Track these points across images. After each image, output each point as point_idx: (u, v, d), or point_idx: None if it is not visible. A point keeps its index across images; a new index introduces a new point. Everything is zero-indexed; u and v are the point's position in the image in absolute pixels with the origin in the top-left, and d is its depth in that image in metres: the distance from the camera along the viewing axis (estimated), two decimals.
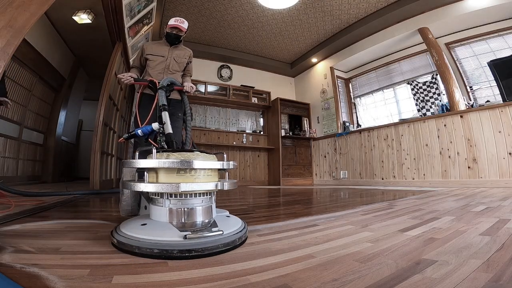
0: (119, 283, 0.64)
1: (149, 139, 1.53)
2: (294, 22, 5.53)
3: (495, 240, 0.93)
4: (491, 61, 3.83)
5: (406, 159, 4.72)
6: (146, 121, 1.66)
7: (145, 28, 4.57)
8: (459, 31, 4.63)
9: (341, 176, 5.95)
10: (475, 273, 0.65)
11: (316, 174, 6.77)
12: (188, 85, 2.23)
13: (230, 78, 6.99)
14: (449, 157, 4.09)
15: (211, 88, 6.65)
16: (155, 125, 1.43)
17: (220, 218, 1.08)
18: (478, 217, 1.41)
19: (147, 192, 1.06)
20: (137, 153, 1.04)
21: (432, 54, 4.65)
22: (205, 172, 1.01)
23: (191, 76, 2.66)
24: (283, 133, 6.57)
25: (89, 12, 4.21)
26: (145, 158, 2.00)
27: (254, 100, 6.99)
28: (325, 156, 6.51)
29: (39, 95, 5.07)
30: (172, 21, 2.39)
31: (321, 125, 6.80)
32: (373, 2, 4.82)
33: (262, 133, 7.11)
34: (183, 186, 0.90)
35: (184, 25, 2.41)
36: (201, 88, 6.39)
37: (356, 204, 2.24)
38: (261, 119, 7.31)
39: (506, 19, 4.15)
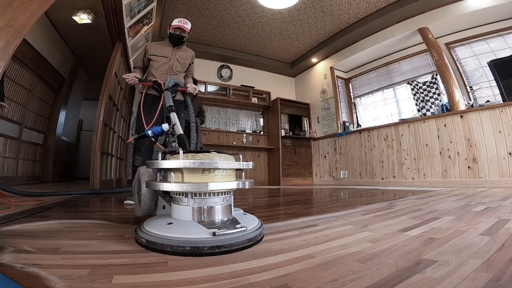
0: (119, 283, 0.64)
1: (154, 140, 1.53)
2: (294, 22, 5.53)
3: (495, 240, 0.93)
4: (491, 61, 3.83)
5: (406, 159, 4.72)
6: (153, 122, 1.66)
7: (145, 28, 4.58)
8: (459, 31, 4.63)
9: (341, 176, 5.95)
10: (475, 273, 0.65)
11: (316, 174, 6.77)
12: (191, 86, 2.26)
13: (230, 78, 6.99)
14: (449, 157, 4.10)
15: (211, 88, 6.66)
16: (165, 126, 1.44)
17: (238, 215, 1.11)
18: (478, 217, 1.41)
19: (168, 192, 1.10)
20: (160, 154, 1.08)
21: (432, 54, 4.65)
22: (226, 172, 1.06)
23: (192, 77, 2.68)
24: (283, 133, 6.57)
25: (89, 12, 4.21)
26: (149, 158, 1.99)
27: (254, 100, 6.99)
28: (325, 156, 6.52)
29: (39, 95, 5.07)
30: (175, 22, 2.40)
31: (321, 125, 6.80)
32: (373, 2, 4.82)
33: (262, 133, 7.11)
34: (212, 185, 0.95)
35: (188, 26, 2.42)
36: (201, 88, 6.39)
37: (356, 204, 2.24)
38: (261, 119, 7.31)
39: (506, 19, 4.15)
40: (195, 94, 2.58)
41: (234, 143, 6.50)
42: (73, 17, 4.27)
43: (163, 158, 1.07)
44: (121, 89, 4.77)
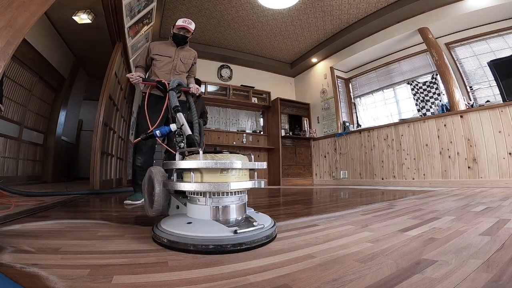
0: (119, 283, 0.64)
1: (159, 140, 1.54)
2: (294, 22, 5.53)
3: (495, 240, 0.93)
4: (491, 61, 3.83)
5: (406, 159, 4.72)
6: (158, 122, 1.67)
7: (145, 28, 4.58)
8: (459, 31, 4.63)
9: (341, 176, 5.95)
10: (475, 273, 0.65)
11: (316, 174, 6.77)
12: (194, 87, 2.28)
13: (230, 78, 6.99)
14: (449, 157, 4.09)
15: (211, 88, 6.66)
16: (173, 126, 1.45)
17: (251, 214, 1.14)
18: (478, 217, 1.41)
19: (183, 192, 1.13)
20: (178, 154, 1.10)
21: (432, 54, 4.65)
22: (242, 172, 1.09)
23: (194, 77, 2.69)
24: (283, 133, 6.57)
25: (89, 12, 4.21)
26: (151, 157, 1.97)
27: (254, 100, 6.99)
28: (325, 156, 6.51)
29: (39, 95, 5.07)
30: (180, 22, 2.40)
31: (321, 125, 6.80)
32: (373, 2, 4.82)
33: (262, 133, 7.11)
34: (233, 185, 0.99)
35: (192, 26, 2.44)
36: (201, 88, 6.38)
37: (356, 204, 2.24)
38: (261, 119, 7.31)
39: (506, 19, 4.15)
40: (197, 94, 2.59)
41: (234, 143, 6.49)
42: (73, 17, 4.27)
43: (176, 158, 1.10)
44: (121, 89, 4.77)
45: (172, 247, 0.92)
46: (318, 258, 0.82)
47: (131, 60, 4.70)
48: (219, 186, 0.97)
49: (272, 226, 1.07)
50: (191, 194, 1.08)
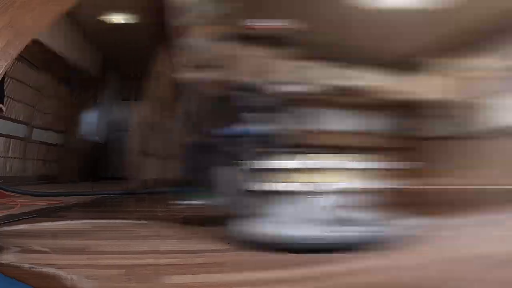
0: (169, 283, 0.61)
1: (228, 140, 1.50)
2: None
3: None
4: None
5: None
6: (227, 122, 1.65)
7: (201, 28, 4.50)
8: None
9: None
10: None
11: None
12: (265, 86, 2.20)
13: None
14: None
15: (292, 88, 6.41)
16: (249, 127, 1.44)
17: (351, 214, 1.07)
18: None
19: (267, 192, 1.10)
20: (262, 154, 1.13)
21: None
22: (343, 172, 1.06)
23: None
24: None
25: (126, 12, 4.18)
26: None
27: None
28: None
29: (63, 95, 5.16)
30: (249, 23, 2.35)
31: None
32: None
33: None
34: (325, 185, 0.99)
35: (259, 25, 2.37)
36: (275, 87, 6.20)
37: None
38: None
39: None
40: (268, 93, 2.52)
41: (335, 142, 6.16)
42: (105, 17, 4.30)
43: (264, 159, 1.11)
44: (164, 88, 4.71)
45: (266, 247, 0.88)
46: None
47: (181, 60, 4.62)
48: (311, 186, 0.97)
49: (376, 227, 0.96)
50: (282, 195, 1.04)
